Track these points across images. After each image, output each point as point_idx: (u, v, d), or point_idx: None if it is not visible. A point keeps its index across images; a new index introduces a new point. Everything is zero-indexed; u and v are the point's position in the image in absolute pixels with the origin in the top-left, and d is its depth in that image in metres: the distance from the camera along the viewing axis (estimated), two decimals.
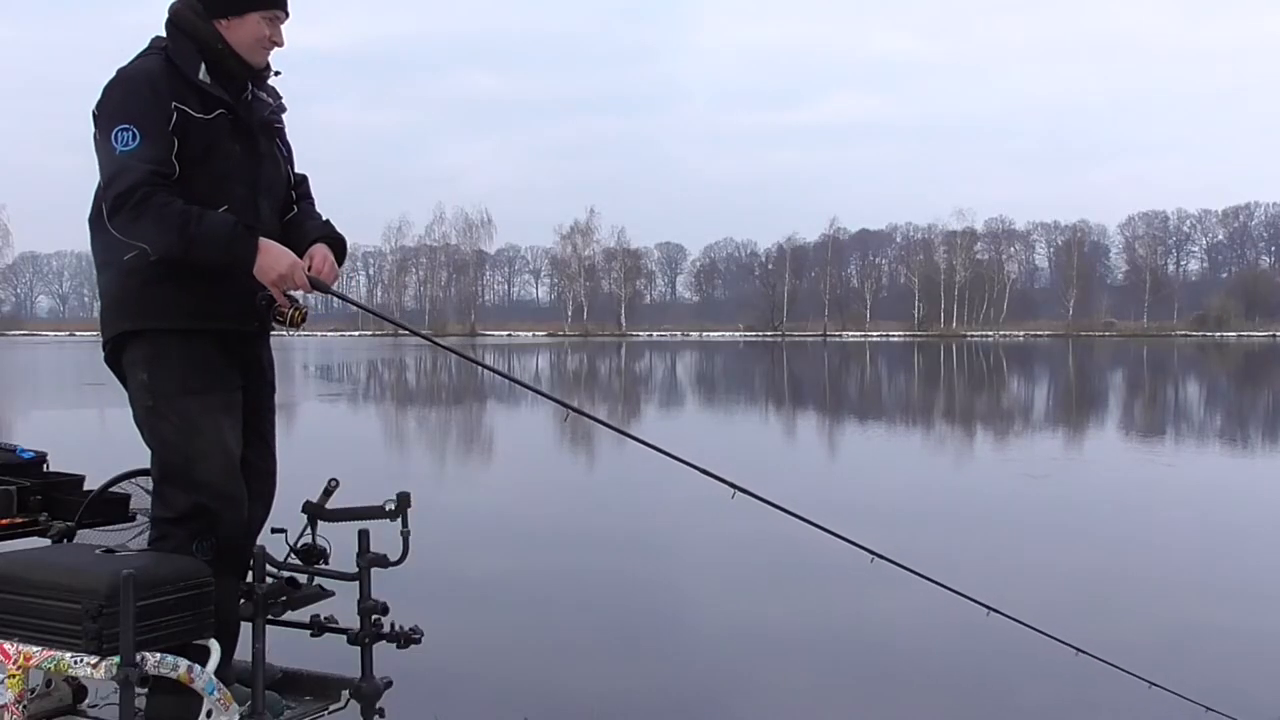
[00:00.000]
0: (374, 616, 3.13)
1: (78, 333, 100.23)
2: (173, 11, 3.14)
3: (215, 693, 2.86)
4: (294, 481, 3.39)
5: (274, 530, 3.23)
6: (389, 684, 3.16)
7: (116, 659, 2.67)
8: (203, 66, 3.08)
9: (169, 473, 3.09)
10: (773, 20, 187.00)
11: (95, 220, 3.10)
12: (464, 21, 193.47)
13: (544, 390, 4.52)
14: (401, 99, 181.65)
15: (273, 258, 3.03)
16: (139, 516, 3.53)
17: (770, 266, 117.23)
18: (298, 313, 3.15)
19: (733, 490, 3.69)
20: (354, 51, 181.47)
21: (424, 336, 3.93)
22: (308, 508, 3.25)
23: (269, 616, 3.12)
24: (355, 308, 3.75)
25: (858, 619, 6.06)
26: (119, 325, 3.13)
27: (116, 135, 2.96)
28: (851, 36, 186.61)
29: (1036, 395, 29.30)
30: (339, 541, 3.26)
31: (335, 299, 3.42)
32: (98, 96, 3.07)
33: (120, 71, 3.08)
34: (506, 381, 30.16)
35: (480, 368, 4.32)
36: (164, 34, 3.15)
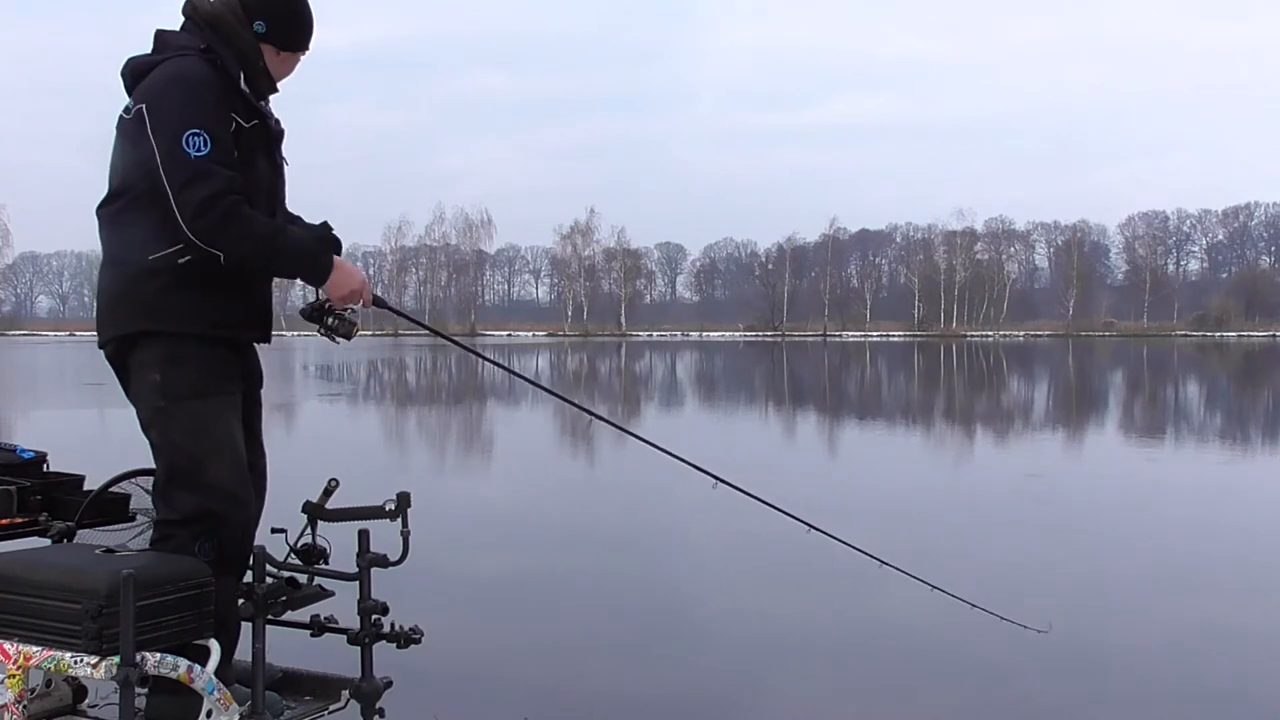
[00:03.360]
0: (374, 616, 3.14)
1: (78, 333, 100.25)
2: (210, 15, 3.10)
3: (215, 693, 2.86)
4: (294, 481, 3.39)
5: (274, 530, 3.23)
6: (389, 684, 3.16)
7: (116, 659, 2.67)
8: (242, 76, 3.10)
9: (176, 474, 3.08)
10: (779, 22, 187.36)
11: (117, 214, 3.08)
12: (471, 22, 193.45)
13: (564, 395, 4.53)
14: (404, 100, 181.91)
15: (345, 274, 3.16)
16: (139, 516, 3.53)
17: (770, 266, 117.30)
18: (355, 328, 3.28)
19: (714, 481, 3.73)
20: (361, 53, 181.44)
21: (452, 341, 3.98)
22: (308, 508, 3.25)
23: (269, 616, 3.12)
24: (409, 321, 3.91)
25: (862, 618, 6.05)
26: (133, 324, 3.08)
27: (188, 140, 2.93)
28: (856, 38, 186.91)
29: (1037, 395, 29.30)
30: (339, 541, 3.26)
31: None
32: (150, 91, 3.00)
33: (177, 70, 3.02)
34: (507, 381, 30.20)
35: (510, 374, 4.44)
36: (186, 31, 3.11)
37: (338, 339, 3.26)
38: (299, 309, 3.34)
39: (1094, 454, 15.30)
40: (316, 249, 3.14)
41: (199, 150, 2.93)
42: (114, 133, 3.11)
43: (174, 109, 2.96)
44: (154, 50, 3.13)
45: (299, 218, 3.42)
